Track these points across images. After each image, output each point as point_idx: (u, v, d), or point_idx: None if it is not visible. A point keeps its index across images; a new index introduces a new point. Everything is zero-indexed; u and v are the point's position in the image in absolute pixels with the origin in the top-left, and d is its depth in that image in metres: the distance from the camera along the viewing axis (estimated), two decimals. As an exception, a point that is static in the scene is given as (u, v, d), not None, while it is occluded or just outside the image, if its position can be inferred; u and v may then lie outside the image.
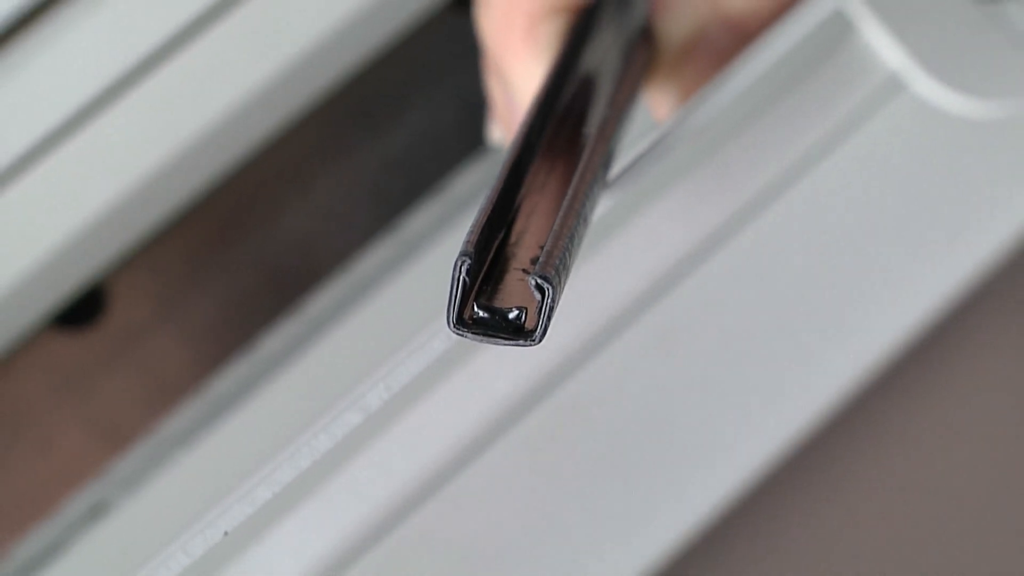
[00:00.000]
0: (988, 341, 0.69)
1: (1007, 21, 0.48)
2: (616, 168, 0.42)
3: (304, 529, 0.47)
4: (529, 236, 0.41)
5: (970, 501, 0.71)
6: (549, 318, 0.33)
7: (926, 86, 0.47)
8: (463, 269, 0.32)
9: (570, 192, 0.38)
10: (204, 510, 0.36)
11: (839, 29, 0.49)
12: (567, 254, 0.36)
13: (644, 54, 0.49)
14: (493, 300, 0.34)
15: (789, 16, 0.45)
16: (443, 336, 0.37)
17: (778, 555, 0.69)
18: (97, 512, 0.49)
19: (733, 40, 0.49)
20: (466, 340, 0.42)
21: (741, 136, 0.49)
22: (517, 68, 0.49)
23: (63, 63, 0.52)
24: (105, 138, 0.47)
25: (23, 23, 0.53)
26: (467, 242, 0.34)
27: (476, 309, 0.33)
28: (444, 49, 0.54)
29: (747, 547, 0.67)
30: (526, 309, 0.32)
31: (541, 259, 0.34)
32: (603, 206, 0.43)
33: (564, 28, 0.47)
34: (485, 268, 0.35)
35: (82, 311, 0.52)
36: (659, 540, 0.52)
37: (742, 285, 0.49)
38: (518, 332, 0.33)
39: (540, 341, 0.34)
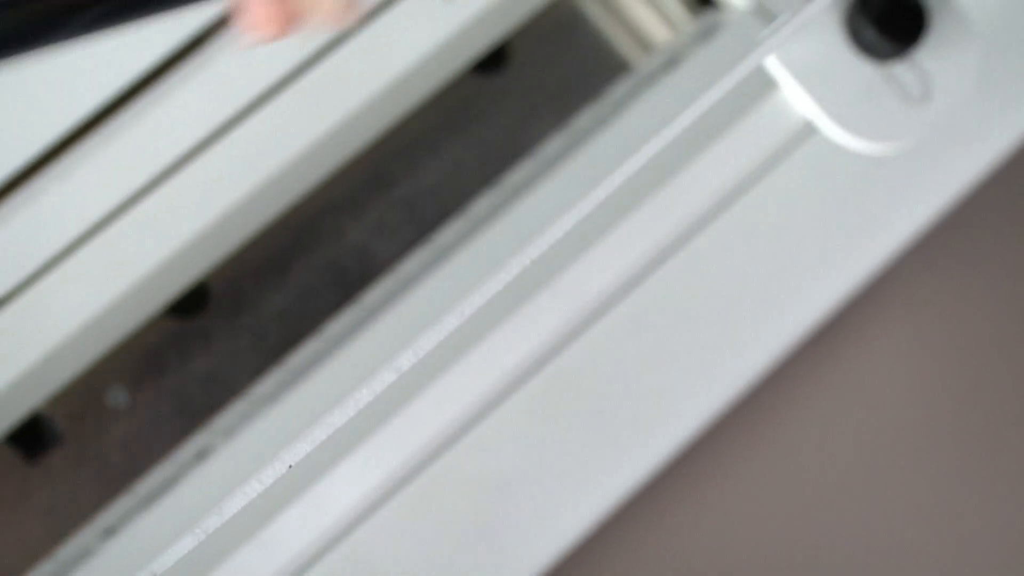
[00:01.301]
0: (875, 334, 0.72)
1: (895, 79, 0.54)
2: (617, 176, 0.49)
3: (355, 465, 0.53)
4: None
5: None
6: None
7: (832, 131, 0.54)
8: None
9: None
10: (278, 451, 0.42)
11: (762, 84, 0.55)
12: None
13: None
14: None
15: (723, 70, 0.49)
16: (457, 315, 0.42)
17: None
18: (203, 454, 0.54)
19: None
20: (477, 320, 0.50)
21: (682, 170, 0.56)
22: None
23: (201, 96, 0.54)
24: (223, 163, 0.52)
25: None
26: None
27: None
28: (469, 103, 0.60)
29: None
30: None
31: None
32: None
33: None
34: None
35: (189, 302, 0.59)
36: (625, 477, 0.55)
37: (683, 291, 0.57)
38: None
39: None
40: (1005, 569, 0.74)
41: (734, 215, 0.58)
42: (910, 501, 0.73)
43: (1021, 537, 0.74)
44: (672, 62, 0.56)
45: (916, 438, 0.74)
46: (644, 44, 0.60)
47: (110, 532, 0.53)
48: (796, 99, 0.55)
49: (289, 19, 0.50)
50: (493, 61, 0.60)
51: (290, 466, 0.42)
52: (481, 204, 0.57)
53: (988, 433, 0.74)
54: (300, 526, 0.53)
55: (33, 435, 0.56)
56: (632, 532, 0.70)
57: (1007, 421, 0.74)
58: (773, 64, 0.54)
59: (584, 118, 0.56)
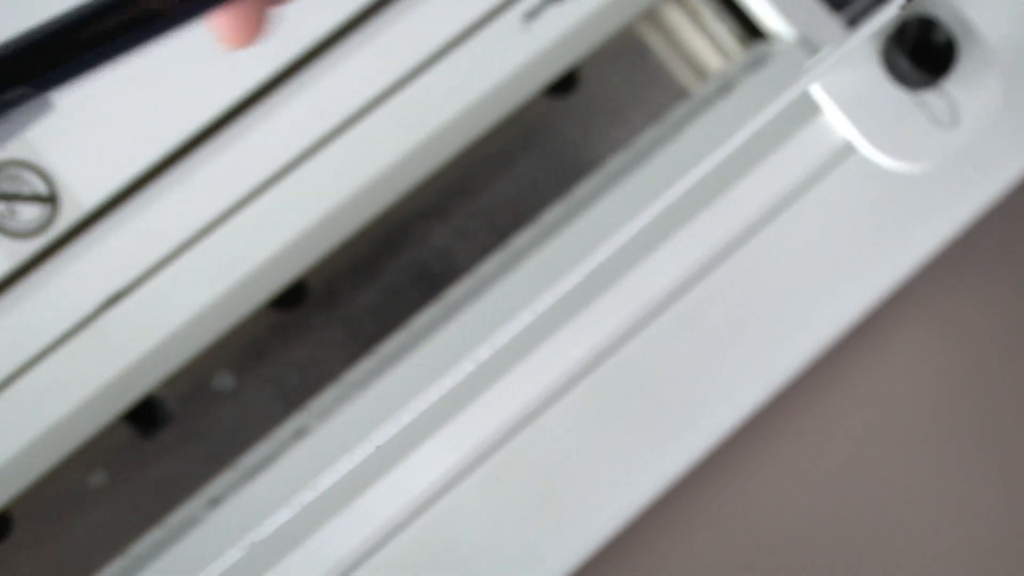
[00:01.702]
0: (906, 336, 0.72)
1: (926, 106, 0.56)
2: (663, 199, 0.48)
3: (436, 447, 0.56)
4: None
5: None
6: None
7: (869, 151, 0.56)
8: None
9: None
10: (367, 432, 0.45)
11: (807, 108, 0.58)
12: None
13: None
14: None
15: (772, 96, 0.52)
16: (530, 312, 0.45)
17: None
18: (300, 434, 0.56)
19: None
20: (547, 318, 0.51)
21: (735, 185, 0.59)
22: None
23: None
24: (324, 172, 0.55)
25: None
26: None
27: None
28: (543, 122, 0.63)
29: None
30: None
31: None
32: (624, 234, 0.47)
33: None
34: None
35: (290, 296, 0.59)
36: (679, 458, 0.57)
37: (731, 294, 0.60)
38: None
39: None
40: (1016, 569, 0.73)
41: (781, 224, 0.59)
42: (927, 495, 0.72)
43: None
44: (725, 88, 0.58)
45: (932, 434, 0.73)
46: (700, 72, 0.62)
47: (215, 502, 0.55)
48: (837, 122, 0.57)
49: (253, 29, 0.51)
50: (565, 85, 0.62)
51: (377, 446, 0.44)
52: (552, 213, 0.58)
53: (998, 430, 0.74)
54: (385, 501, 0.55)
55: (148, 414, 0.58)
56: (677, 514, 0.69)
57: (1018, 420, 0.74)
58: (817, 91, 0.57)
59: (645, 138, 0.58)
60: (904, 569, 0.71)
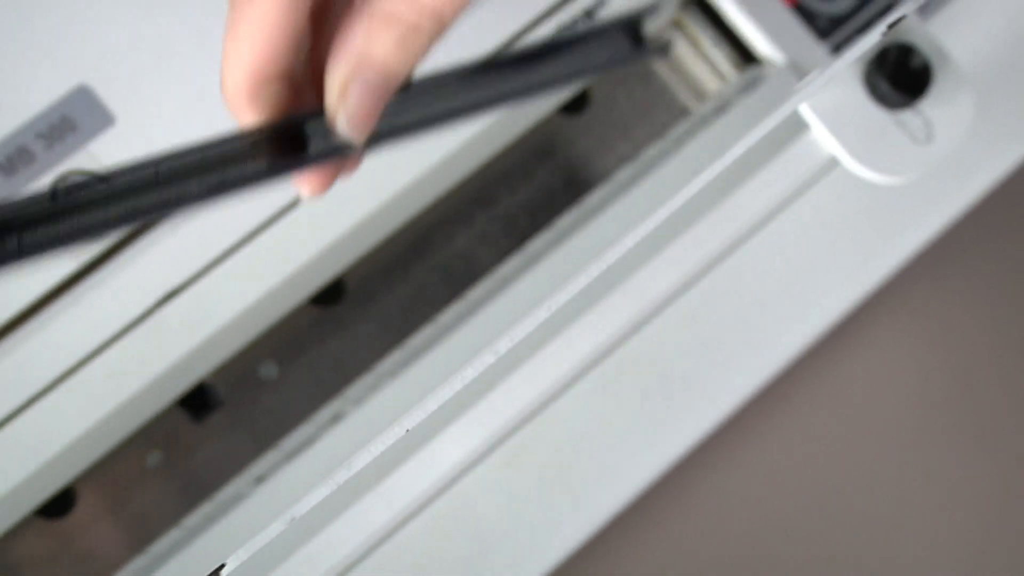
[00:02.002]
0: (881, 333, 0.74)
1: (904, 124, 0.58)
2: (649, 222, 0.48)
3: (460, 430, 0.57)
4: None
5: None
6: None
7: (852, 165, 0.59)
8: None
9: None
10: (398, 417, 0.46)
11: (797, 126, 0.60)
12: None
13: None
14: None
15: (765, 114, 0.52)
16: (545, 309, 0.46)
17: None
18: (337, 418, 0.58)
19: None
20: (561, 314, 0.51)
21: (732, 194, 0.61)
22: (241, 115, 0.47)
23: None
24: (360, 181, 0.52)
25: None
26: None
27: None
28: (556, 137, 0.65)
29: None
30: None
31: None
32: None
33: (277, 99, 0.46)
34: None
35: (329, 294, 0.60)
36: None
37: (728, 293, 0.61)
38: None
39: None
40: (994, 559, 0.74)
41: (773, 229, 0.62)
42: (910, 484, 0.74)
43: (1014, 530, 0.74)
44: (722, 108, 0.61)
45: (914, 422, 0.75)
46: (699, 93, 0.64)
47: (260, 480, 0.57)
48: (823, 139, 0.59)
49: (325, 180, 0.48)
50: (576, 104, 0.64)
51: (407, 429, 0.46)
52: (565, 220, 0.60)
53: (978, 418, 0.75)
54: (414, 478, 0.57)
55: (199, 400, 0.60)
56: (679, 493, 0.70)
57: (991, 406, 0.75)
58: (805, 110, 0.59)
59: (650, 152, 0.60)
60: (889, 557, 0.73)
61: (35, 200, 0.41)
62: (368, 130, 0.45)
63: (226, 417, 0.62)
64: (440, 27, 0.45)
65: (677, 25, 0.65)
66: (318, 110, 0.45)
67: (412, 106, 0.46)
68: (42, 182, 0.57)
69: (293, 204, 0.58)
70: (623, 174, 0.60)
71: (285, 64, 0.45)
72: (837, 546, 0.73)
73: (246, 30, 0.44)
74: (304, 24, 0.45)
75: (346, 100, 0.45)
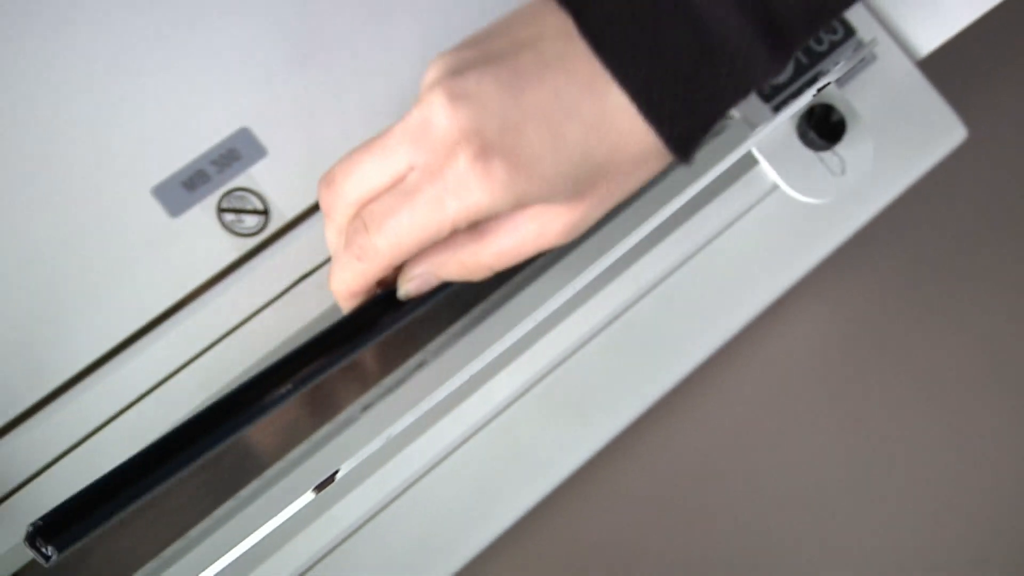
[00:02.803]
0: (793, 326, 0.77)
1: (824, 161, 0.64)
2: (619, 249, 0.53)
3: (508, 375, 0.63)
4: None
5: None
6: None
7: (788, 190, 0.64)
8: None
9: None
10: (465, 365, 0.52)
11: (750, 162, 0.64)
12: None
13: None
14: None
15: (725, 154, 0.56)
16: (543, 310, 0.52)
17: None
18: (421, 366, 0.63)
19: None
20: (553, 316, 0.59)
21: (699, 212, 0.66)
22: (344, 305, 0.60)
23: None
24: None
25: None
26: None
27: None
28: None
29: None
30: None
31: None
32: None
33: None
34: None
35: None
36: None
37: (691, 285, 0.67)
38: None
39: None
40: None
41: (729, 235, 0.68)
42: (818, 445, 0.76)
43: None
44: None
45: (825, 390, 0.78)
46: None
47: (367, 408, 0.62)
48: (768, 171, 0.64)
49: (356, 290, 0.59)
50: None
51: (471, 374, 0.52)
52: (549, 255, 0.65)
53: (877, 386, 0.78)
54: (477, 408, 0.63)
55: None
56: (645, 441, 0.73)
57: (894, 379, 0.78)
58: (755, 151, 0.64)
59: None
60: (793, 513, 0.74)
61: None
62: (408, 297, 0.58)
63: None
64: (488, 274, 0.57)
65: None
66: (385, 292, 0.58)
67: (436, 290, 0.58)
68: (214, 196, 0.61)
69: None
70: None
71: (368, 289, 0.58)
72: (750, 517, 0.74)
73: (346, 275, 0.57)
74: (382, 275, 0.57)
75: (407, 284, 0.58)
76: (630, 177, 0.54)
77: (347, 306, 0.59)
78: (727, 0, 0.51)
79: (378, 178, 0.54)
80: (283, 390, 0.56)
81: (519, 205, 0.53)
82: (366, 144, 0.54)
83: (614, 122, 0.52)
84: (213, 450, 0.54)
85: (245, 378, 0.57)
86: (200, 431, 0.54)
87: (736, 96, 0.53)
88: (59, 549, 0.50)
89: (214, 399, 0.54)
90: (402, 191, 0.53)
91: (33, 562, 0.55)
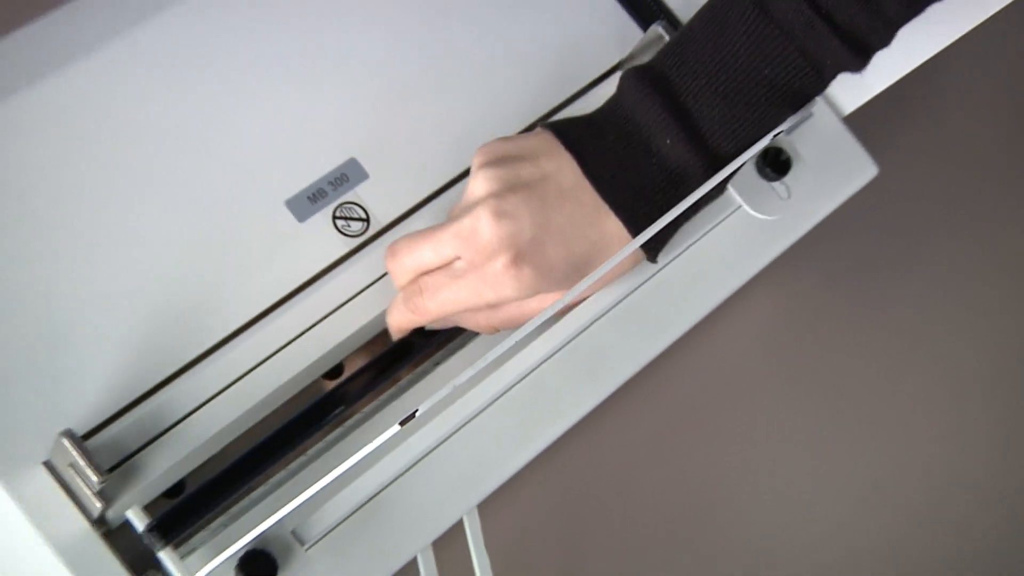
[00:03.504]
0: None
1: (775, 188, 0.72)
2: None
3: (535, 347, 0.68)
4: None
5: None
6: None
7: (748, 209, 0.72)
8: None
9: None
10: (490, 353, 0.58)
11: (730, 198, 0.71)
12: None
13: None
14: None
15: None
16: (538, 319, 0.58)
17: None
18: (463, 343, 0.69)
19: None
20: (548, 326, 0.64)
21: (684, 223, 0.69)
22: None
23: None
24: None
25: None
26: None
27: None
28: None
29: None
30: None
31: None
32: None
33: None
34: None
35: None
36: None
37: (671, 283, 0.72)
38: None
39: None
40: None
41: (702, 244, 0.74)
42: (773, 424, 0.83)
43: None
44: None
45: (777, 370, 0.84)
46: None
47: (438, 363, 0.71)
48: (734, 195, 0.73)
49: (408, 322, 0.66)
50: None
51: (512, 343, 0.58)
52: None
53: (825, 368, 0.85)
54: (517, 365, 0.68)
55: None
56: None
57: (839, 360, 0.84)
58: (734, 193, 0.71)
59: None
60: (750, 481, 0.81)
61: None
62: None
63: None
64: (493, 332, 0.66)
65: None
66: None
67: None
68: (330, 208, 0.68)
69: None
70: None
71: (414, 327, 0.66)
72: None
73: (401, 320, 0.65)
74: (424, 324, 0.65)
75: (435, 325, 0.65)
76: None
77: (396, 336, 0.68)
78: (682, 146, 0.61)
79: (431, 259, 0.62)
80: (360, 387, 0.66)
81: (532, 295, 0.62)
82: (424, 233, 0.63)
83: (611, 244, 0.63)
84: (319, 429, 0.66)
85: (345, 353, 0.67)
86: (305, 425, 0.65)
87: (693, 211, 0.64)
88: None
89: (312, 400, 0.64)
90: (451, 273, 0.62)
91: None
